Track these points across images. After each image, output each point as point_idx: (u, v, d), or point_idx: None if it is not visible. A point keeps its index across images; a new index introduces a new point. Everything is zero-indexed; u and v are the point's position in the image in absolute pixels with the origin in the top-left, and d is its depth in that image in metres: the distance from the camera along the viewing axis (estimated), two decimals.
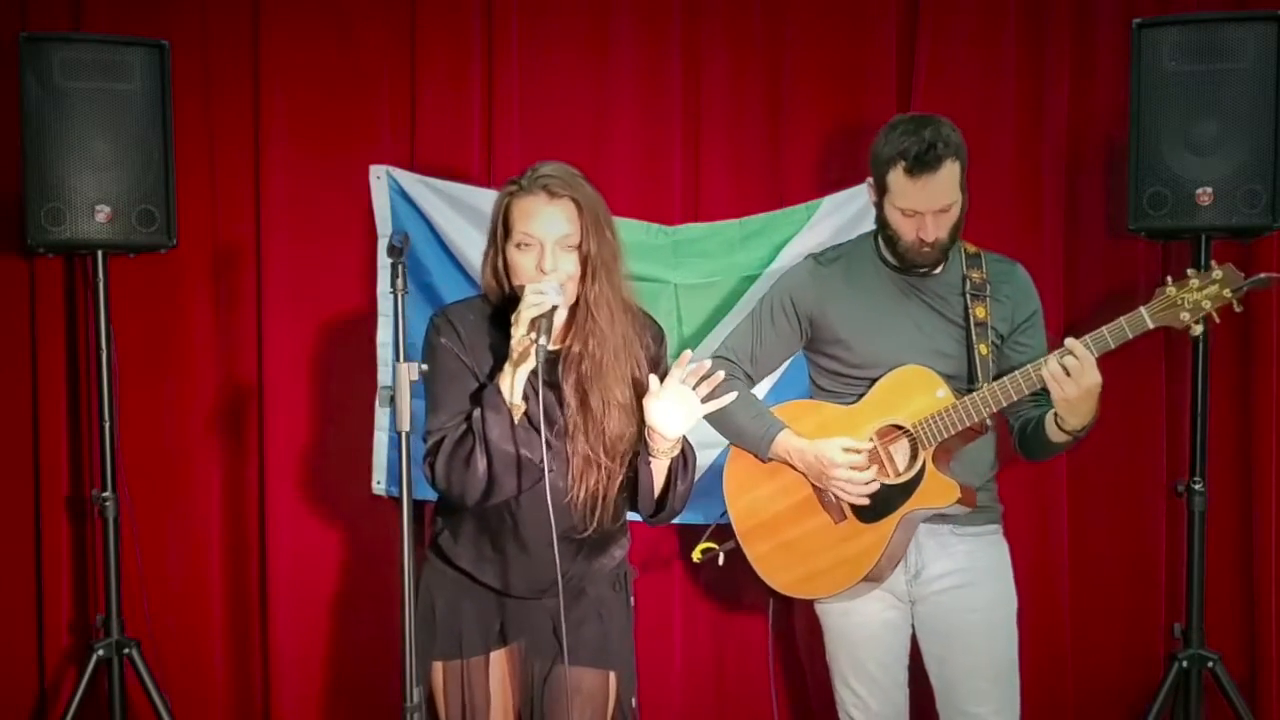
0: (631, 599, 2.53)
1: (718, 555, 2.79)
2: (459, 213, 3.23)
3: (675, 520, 3.29)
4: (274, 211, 3.33)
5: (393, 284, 2.14)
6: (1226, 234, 2.98)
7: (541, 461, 2.25)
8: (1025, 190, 3.30)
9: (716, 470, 3.30)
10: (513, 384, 2.27)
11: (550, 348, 2.27)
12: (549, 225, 2.29)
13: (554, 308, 2.23)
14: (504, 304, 2.36)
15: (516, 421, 2.28)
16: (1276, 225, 2.91)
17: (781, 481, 2.70)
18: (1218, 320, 2.43)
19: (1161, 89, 2.92)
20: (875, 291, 2.67)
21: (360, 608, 3.39)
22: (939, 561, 2.65)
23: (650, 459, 2.35)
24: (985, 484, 2.69)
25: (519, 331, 2.23)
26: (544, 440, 2.23)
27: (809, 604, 2.79)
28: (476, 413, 2.28)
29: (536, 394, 2.25)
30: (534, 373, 2.24)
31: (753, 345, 2.77)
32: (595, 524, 2.38)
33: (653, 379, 2.30)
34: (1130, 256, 3.27)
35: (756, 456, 2.71)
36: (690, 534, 3.35)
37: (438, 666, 2.44)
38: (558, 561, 2.24)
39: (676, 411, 2.29)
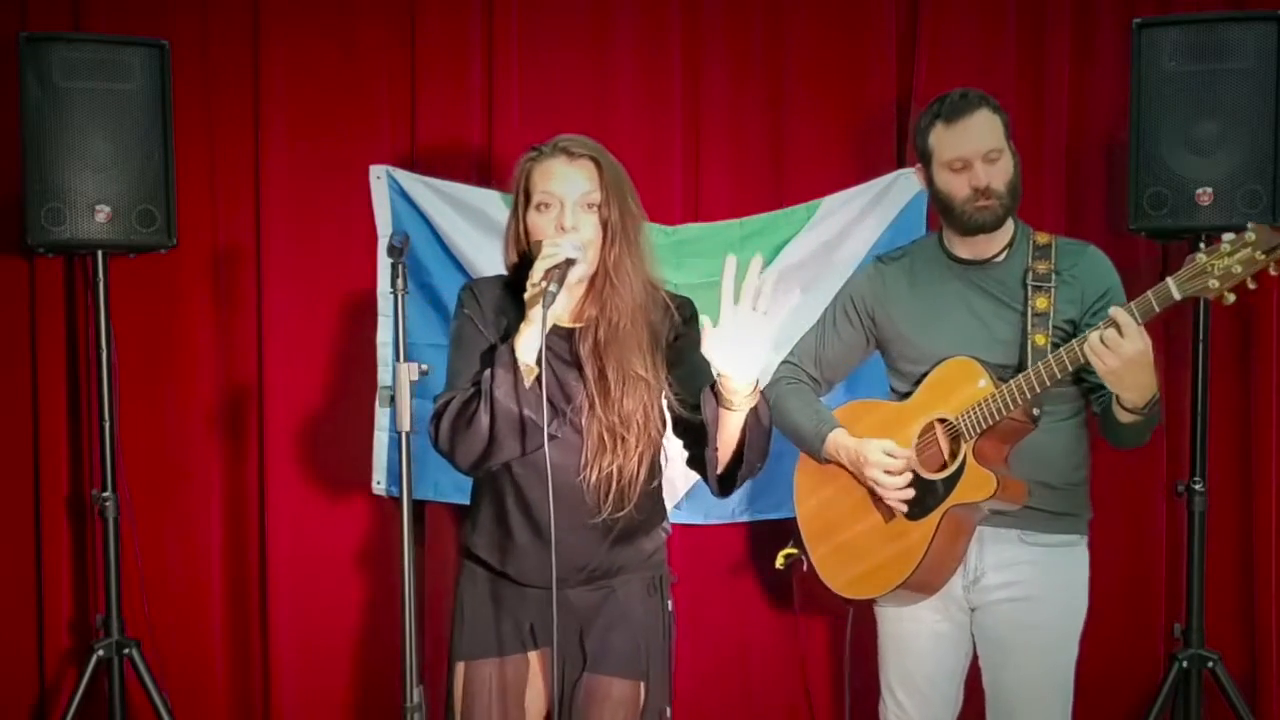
0: (669, 604, 2.41)
1: (802, 562, 2.74)
2: (459, 213, 3.23)
3: (677, 521, 3.32)
4: (274, 211, 3.33)
5: (393, 284, 2.13)
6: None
7: (547, 426, 2.15)
8: (1025, 190, 3.24)
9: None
10: (526, 342, 2.18)
11: (568, 325, 2.25)
12: (568, 184, 2.26)
13: (569, 260, 2.17)
14: (523, 276, 2.26)
15: (529, 385, 2.17)
16: (1277, 225, 2.90)
17: (841, 482, 2.67)
18: (1253, 286, 2.18)
19: (1161, 89, 2.93)
20: (935, 285, 2.63)
21: (360, 608, 3.39)
22: (1000, 571, 2.57)
23: (725, 410, 2.16)
24: (1065, 486, 2.57)
25: (533, 281, 2.17)
26: (544, 400, 2.13)
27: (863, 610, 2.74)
28: (487, 371, 2.20)
29: (549, 365, 2.18)
30: (547, 345, 2.16)
31: (817, 348, 2.75)
32: (610, 508, 2.26)
33: (705, 320, 2.12)
34: (1130, 256, 3.26)
35: (813, 457, 2.69)
36: (693, 534, 3.35)
37: (460, 667, 2.37)
38: (553, 545, 2.15)
39: (742, 347, 2.09)
